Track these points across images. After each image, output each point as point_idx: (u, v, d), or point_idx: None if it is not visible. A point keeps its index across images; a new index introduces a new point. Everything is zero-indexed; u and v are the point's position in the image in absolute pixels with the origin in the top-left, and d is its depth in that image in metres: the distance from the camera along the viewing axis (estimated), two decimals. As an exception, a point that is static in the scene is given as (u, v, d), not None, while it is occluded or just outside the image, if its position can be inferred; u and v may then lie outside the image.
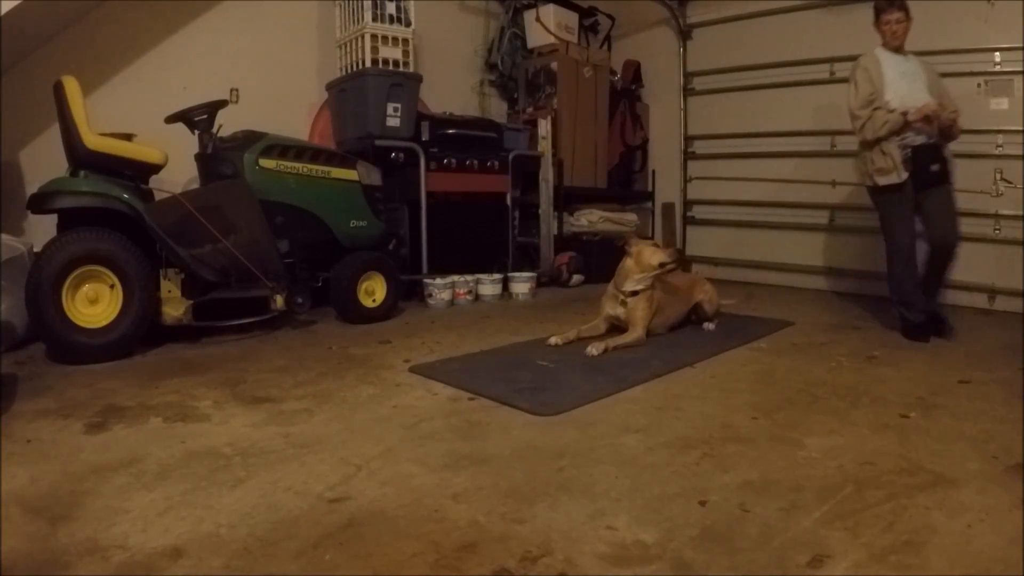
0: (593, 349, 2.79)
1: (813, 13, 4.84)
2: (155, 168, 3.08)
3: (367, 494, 1.52)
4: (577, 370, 2.57)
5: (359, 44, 4.19)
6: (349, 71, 4.32)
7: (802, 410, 2.15)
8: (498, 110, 5.72)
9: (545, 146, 5.04)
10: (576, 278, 4.97)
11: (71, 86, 2.82)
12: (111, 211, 2.80)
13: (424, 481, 1.59)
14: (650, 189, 5.98)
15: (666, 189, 5.90)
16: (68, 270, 2.64)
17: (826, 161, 4.80)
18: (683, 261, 3.58)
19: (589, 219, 5.31)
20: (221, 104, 3.22)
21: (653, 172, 5.97)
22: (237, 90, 3.40)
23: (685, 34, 5.63)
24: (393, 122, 4.15)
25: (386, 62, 4.18)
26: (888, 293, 3.36)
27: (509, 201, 4.76)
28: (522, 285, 4.46)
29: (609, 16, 5.90)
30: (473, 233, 4.54)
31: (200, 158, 3.29)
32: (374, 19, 4.16)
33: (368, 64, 4.11)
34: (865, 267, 4.53)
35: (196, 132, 3.21)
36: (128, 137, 3.28)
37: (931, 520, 1.40)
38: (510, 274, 4.52)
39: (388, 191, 3.99)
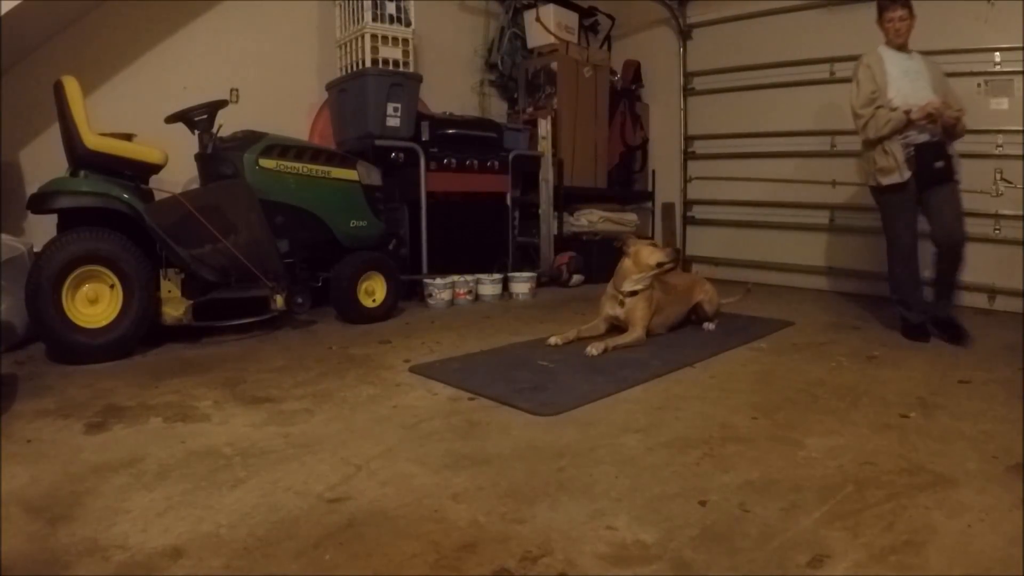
0: (593, 349, 2.79)
1: (813, 13, 4.84)
2: (155, 168, 3.08)
3: (367, 494, 1.52)
4: (577, 370, 2.57)
5: (359, 44, 4.19)
6: (349, 71, 4.32)
7: (802, 410, 2.15)
8: (498, 110, 5.72)
9: (545, 146, 5.04)
10: (576, 278, 4.97)
11: (71, 86, 2.82)
12: (111, 211, 2.80)
13: (424, 481, 1.59)
14: (650, 189, 5.98)
15: (666, 189, 5.90)
16: (68, 270, 2.64)
17: (826, 161, 4.80)
18: (679, 260, 3.56)
19: (589, 219, 5.31)
20: (221, 104, 3.22)
21: (653, 172, 5.97)
22: (237, 90, 3.40)
23: (685, 34, 5.63)
24: (393, 122, 4.15)
25: (386, 62, 4.18)
26: (888, 293, 3.36)
27: (509, 201, 4.76)
28: (522, 285, 4.46)
29: (609, 16, 5.90)
30: (473, 233, 4.54)
31: (200, 158, 3.28)
32: (374, 19, 4.16)
33: (368, 64, 4.11)
34: (865, 267, 4.54)
35: (196, 132, 3.21)
36: (128, 137, 3.28)
37: (931, 520, 1.40)
38: (510, 274, 4.52)
39: (388, 191, 3.99)
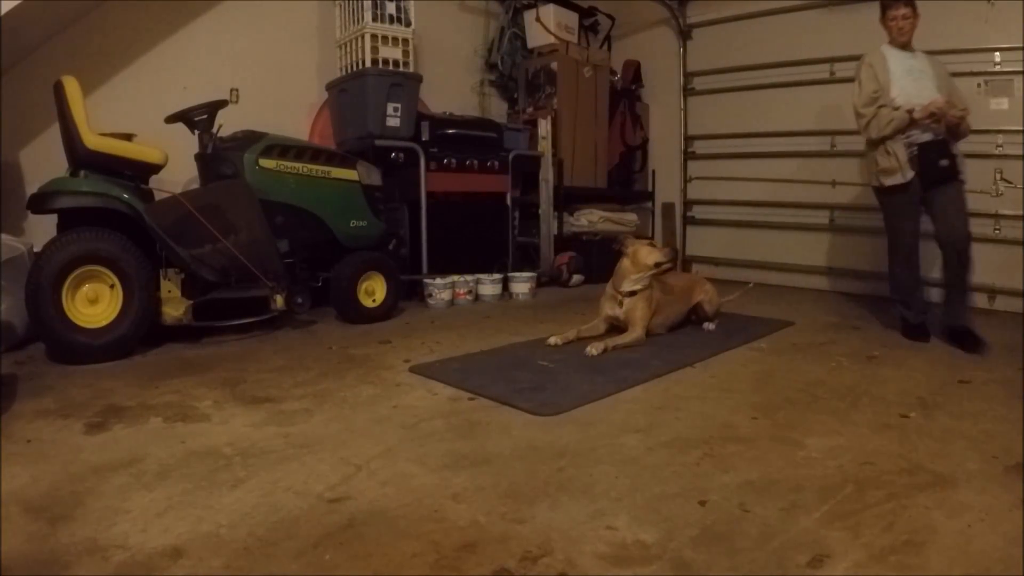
0: (593, 349, 2.79)
1: (813, 13, 4.84)
2: (155, 168, 3.08)
3: (367, 494, 1.52)
4: (577, 370, 2.57)
5: (359, 44, 4.19)
6: (349, 71, 4.31)
7: (802, 410, 2.15)
8: (498, 110, 5.72)
9: (545, 146, 5.04)
10: (576, 278, 4.97)
11: (71, 86, 2.82)
12: (111, 211, 2.80)
13: (424, 481, 1.59)
14: (650, 189, 5.98)
15: (666, 189, 5.90)
16: (68, 270, 2.64)
17: (826, 161, 4.80)
18: (677, 260, 3.56)
19: (589, 219, 5.31)
20: (221, 104, 3.22)
21: (653, 172, 5.97)
22: (237, 90, 3.40)
23: (685, 34, 5.63)
24: (393, 122, 4.15)
25: (386, 62, 4.17)
26: (888, 293, 3.35)
27: (509, 201, 4.76)
28: (522, 285, 4.46)
29: (609, 16, 5.90)
30: (473, 233, 4.54)
31: (200, 158, 3.28)
32: (374, 19, 4.16)
33: (368, 64, 4.11)
34: (865, 267, 4.54)
35: (196, 132, 3.21)
36: (128, 137, 3.28)
37: (931, 520, 1.40)
38: (510, 274, 4.52)
39: (388, 191, 3.99)
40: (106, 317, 2.73)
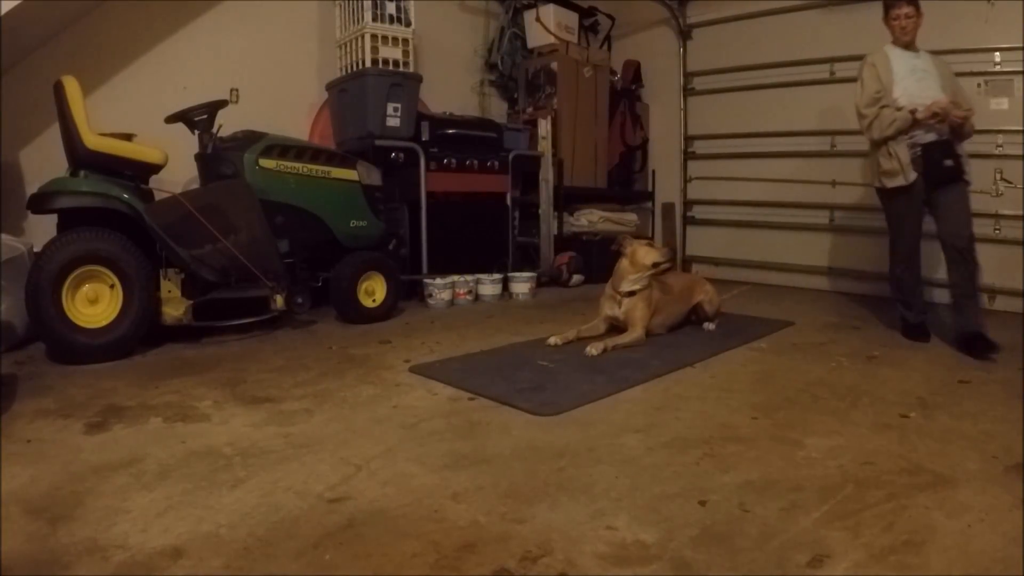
0: (593, 349, 2.79)
1: (813, 13, 4.84)
2: (155, 168, 3.08)
3: (367, 494, 1.52)
4: (577, 370, 2.57)
5: (359, 44, 4.19)
6: (349, 71, 4.32)
7: (802, 410, 2.15)
8: (498, 110, 5.72)
9: (545, 146, 5.04)
10: (576, 278, 4.97)
11: (71, 86, 2.82)
12: (111, 211, 2.80)
13: (424, 481, 1.59)
14: (650, 189, 5.98)
15: (666, 189, 5.90)
16: (68, 270, 2.64)
17: (826, 161, 4.80)
18: (674, 260, 3.55)
19: (589, 219, 5.31)
20: (221, 104, 3.22)
21: (653, 172, 5.97)
22: (237, 90, 3.40)
23: (685, 34, 5.63)
24: (393, 122, 4.15)
25: (386, 62, 4.17)
26: (888, 293, 3.35)
27: (509, 201, 4.76)
28: (522, 285, 4.46)
29: (609, 16, 5.90)
30: (473, 233, 4.54)
31: (200, 158, 3.28)
32: (374, 19, 4.16)
33: (368, 64, 4.11)
34: (865, 267, 4.54)
35: (196, 132, 3.21)
36: (128, 137, 3.28)
37: (931, 520, 1.40)
38: (510, 274, 4.52)
39: (388, 191, 3.99)
40: (106, 317, 2.74)
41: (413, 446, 1.82)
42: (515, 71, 5.55)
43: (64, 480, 1.58)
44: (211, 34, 4.13)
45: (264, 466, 1.67)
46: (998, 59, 4.01)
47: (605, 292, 3.17)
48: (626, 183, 5.88)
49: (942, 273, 3.24)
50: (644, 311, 3.03)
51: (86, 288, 2.72)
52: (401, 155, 4.15)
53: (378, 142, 4.06)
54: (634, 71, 5.89)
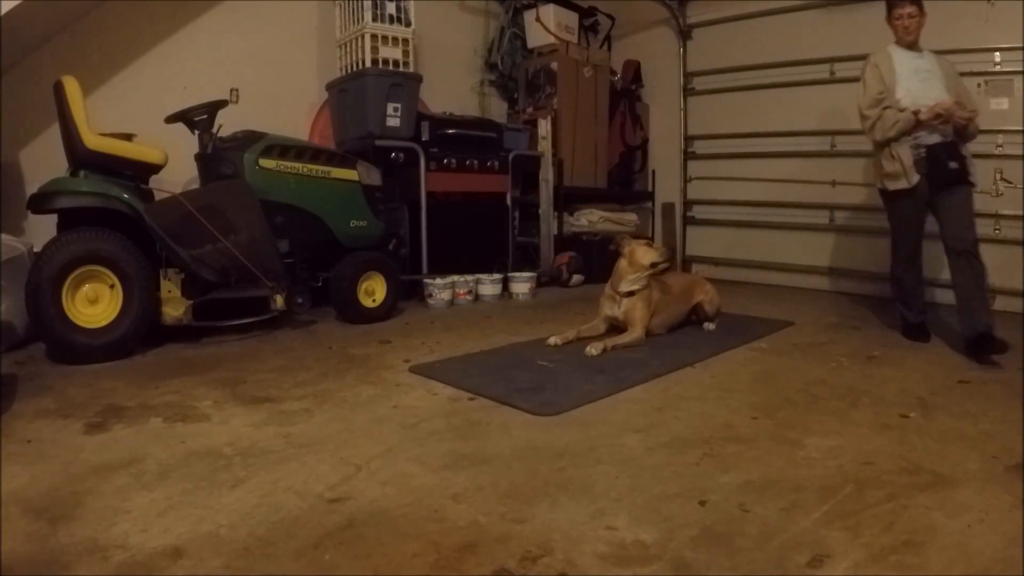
0: (592, 349, 2.79)
1: (813, 13, 4.84)
2: (155, 168, 3.08)
3: (367, 494, 1.52)
4: (577, 370, 2.57)
5: (359, 44, 4.19)
6: (349, 71, 4.32)
7: (802, 410, 2.15)
8: (498, 110, 5.72)
9: (545, 146, 5.04)
10: (576, 278, 4.97)
11: (71, 86, 2.82)
12: (111, 211, 2.80)
13: (424, 481, 1.59)
14: (650, 189, 5.98)
15: (666, 189, 5.90)
16: (68, 270, 2.64)
17: (826, 161, 4.80)
18: (673, 260, 3.54)
19: (589, 219, 5.31)
20: (221, 104, 3.22)
21: (653, 172, 5.97)
22: (237, 90, 3.40)
23: (685, 34, 5.63)
24: (393, 122, 4.15)
25: (386, 62, 4.18)
26: (889, 293, 3.34)
27: (509, 201, 4.76)
28: (522, 285, 4.46)
29: (609, 16, 5.90)
30: (473, 233, 4.54)
31: (200, 158, 3.28)
32: (374, 19, 4.16)
33: (368, 64, 4.11)
34: (865, 267, 4.54)
35: (196, 132, 3.21)
36: (128, 137, 3.28)
37: (931, 520, 1.40)
38: (510, 274, 4.52)
39: (388, 191, 3.99)
40: (106, 317, 2.74)
41: (413, 446, 1.82)
42: (515, 71, 5.55)
43: (64, 480, 1.58)
44: (211, 34, 4.13)
45: (264, 466, 1.67)
46: (998, 59, 4.01)
47: (605, 292, 3.17)
48: (626, 183, 5.88)
49: (944, 274, 3.23)
50: (643, 311, 3.03)
51: (86, 288, 2.72)
52: (401, 155, 4.15)
53: (378, 142, 4.06)
54: (634, 71, 5.89)
